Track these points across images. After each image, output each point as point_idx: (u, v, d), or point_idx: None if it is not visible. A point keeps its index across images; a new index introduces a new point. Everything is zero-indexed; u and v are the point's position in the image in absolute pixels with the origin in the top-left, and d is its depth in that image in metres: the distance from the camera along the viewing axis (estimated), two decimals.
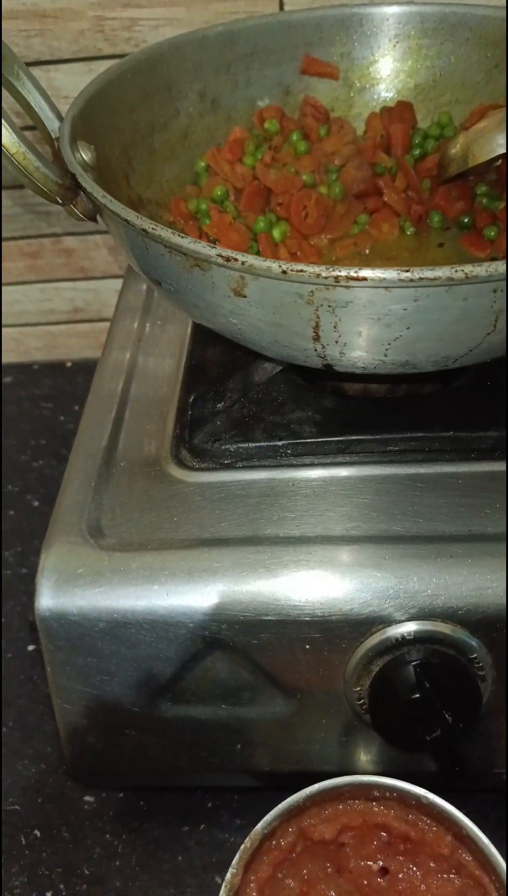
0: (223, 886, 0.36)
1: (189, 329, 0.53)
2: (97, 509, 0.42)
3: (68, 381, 0.82)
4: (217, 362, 0.49)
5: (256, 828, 0.38)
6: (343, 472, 0.43)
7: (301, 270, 0.30)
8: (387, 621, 0.38)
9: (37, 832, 0.49)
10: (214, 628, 0.39)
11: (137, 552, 0.40)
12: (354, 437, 0.43)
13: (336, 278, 0.30)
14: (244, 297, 0.33)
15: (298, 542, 0.40)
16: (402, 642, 0.38)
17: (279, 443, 0.44)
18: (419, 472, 0.43)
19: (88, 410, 0.49)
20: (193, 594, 0.39)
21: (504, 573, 0.38)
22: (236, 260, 0.31)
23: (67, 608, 0.39)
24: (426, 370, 0.39)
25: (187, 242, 0.32)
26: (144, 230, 0.33)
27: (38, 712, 0.55)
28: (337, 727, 0.41)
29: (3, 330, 0.85)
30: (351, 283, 0.30)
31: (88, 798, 0.50)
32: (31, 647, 0.58)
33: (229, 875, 0.37)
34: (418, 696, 0.35)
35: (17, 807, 0.50)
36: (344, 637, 0.38)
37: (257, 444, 0.44)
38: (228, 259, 0.31)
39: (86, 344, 0.86)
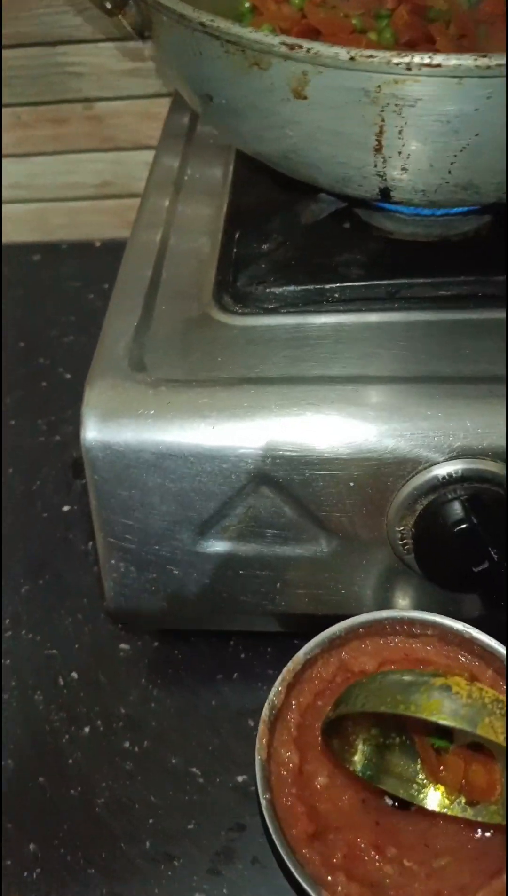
0: (267, 705, 0.37)
1: (230, 175, 0.51)
2: (140, 349, 0.42)
3: (97, 261, 0.80)
4: (260, 208, 0.47)
5: (298, 654, 0.38)
6: (392, 316, 0.42)
7: (371, 56, 0.28)
8: (433, 460, 0.38)
9: (74, 674, 0.50)
10: (258, 463, 0.38)
11: (182, 387, 0.40)
12: (404, 281, 0.42)
13: (408, 65, 0.28)
14: (304, 97, 0.31)
15: (345, 381, 0.39)
16: (448, 481, 0.38)
17: (326, 286, 0.42)
18: (470, 318, 0.41)
19: (126, 259, 0.48)
20: (239, 429, 0.38)
21: None
22: (300, 48, 0.29)
23: (113, 440, 0.39)
24: (487, 199, 0.37)
25: (248, 32, 0.30)
26: (201, 23, 0.31)
27: (75, 569, 0.56)
28: (378, 569, 0.41)
29: (26, 205, 0.83)
30: (423, 70, 0.28)
31: (123, 646, 0.51)
32: (66, 508, 0.59)
33: (272, 694, 0.37)
34: (464, 527, 0.35)
35: (54, 651, 0.51)
36: (389, 475, 0.38)
37: (303, 288, 0.42)
38: (292, 47, 0.29)
39: (111, 222, 0.83)
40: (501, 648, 0.38)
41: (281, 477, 0.39)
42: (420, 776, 0.36)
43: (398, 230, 0.45)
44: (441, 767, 0.36)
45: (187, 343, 0.42)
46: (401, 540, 0.39)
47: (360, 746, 0.36)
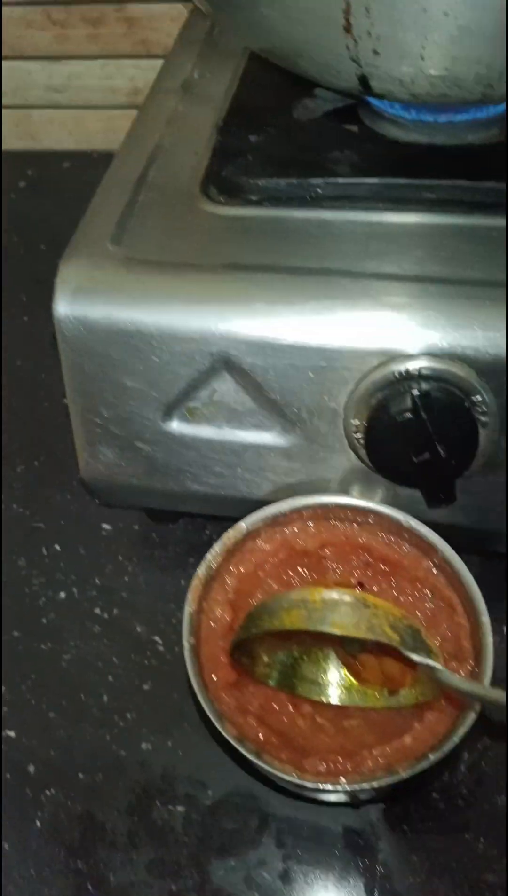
0: (202, 563, 0.39)
1: (239, 77, 0.51)
2: (121, 229, 0.43)
3: None
4: (261, 105, 0.47)
5: (239, 523, 0.41)
6: (378, 217, 0.42)
7: None
8: (394, 355, 0.39)
9: (57, 546, 0.54)
10: (222, 347, 0.40)
11: (158, 269, 0.41)
12: (393, 181, 0.42)
13: None
14: None
15: (319, 273, 0.40)
16: (405, 377, 0.38)
17: (312, 180, 0.42)
18: (456, 223, 0.41)
19: (122, 148, 0.49)
20: (206, 312, 0.40)
21: None
22: None
23: (83, 315, 0.40)
24: (471, 95, 0.36)
25: None
26: None
27: (70, 453, 0.58)
28: (334, 462, 0.42)
29: (62, 111, 0.83)
30: None
31: (105, 526, 0.55)
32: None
33: (208, 554, 0.40)
34: (411, 417, 0.36)
35: (41, 524, 0.55)
36: (349, 368, 0.39)
37: (289, 181, 0.43)
38: None
39: None
40: (438, 540, 0.39)
41: (244, 362, 0.40)
42: (343, 680, 0.39)
43: (400, 137, 0.44)
44: (360, 668, 0.39)
45: (168, 229, 0.43)
46: (356, 433, 0.40)
47: (268, 661, 0.39)
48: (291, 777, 0.34)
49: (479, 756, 0.43)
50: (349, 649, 0.39)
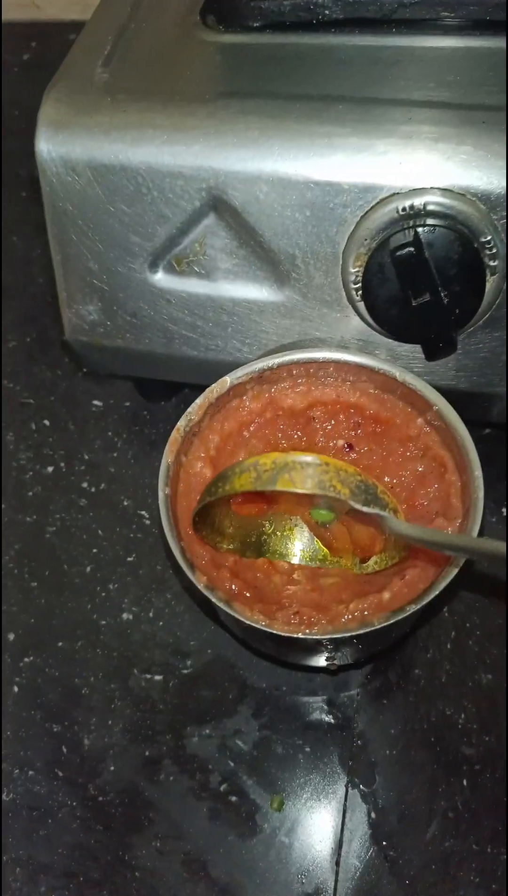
0: (183, 416, 0.37)
1: None
2: (109, 59, 0.39)
3: None
4: None
5: (224, 377, 0.38)
6: (389, 41, 0.38)
7: None
8: (398, 191, 0.35)
9: (46, 422, 0.52)
10: (212, 183, 0.36)
11: (145, 99, 0.37)
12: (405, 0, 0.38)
13: None
14: None
15: (320, 99, 0.36)
16: (410, 214, 0.35)
17: (321, 0, 0.38)
18: (475, 46, 0.37)
19: None
20: (194, 144, 0.36)
21: None
22: None
23: (65, 152, 0.37)
24: None
25: None
26: None
27: (61, 328, 0.56)
28: (330, 319, 0.39)
29: None
30: None
31: (96, 402, 0.52)
32: None
33: (190, 408, 0.37)
34: (411, 252, 0.33)
35: (31, 400, 0.53)
36: (349, 204, 0.35)
37: (295, 2, 0.38)
38: None
39: None
40: (433, 393, 0.36)
41: (236, 201, 0.37)
42: (315, 552, 0.37)
43: None
44: (331, 538, 0.37)
45: (160, 58, 0.39)
46: (354, 284, 0.37)
47: (233, 533, 0.37)
48: (260, 625, 0.32)
49: (465, 633, 0.41)
50: (318, 518, 0.37)
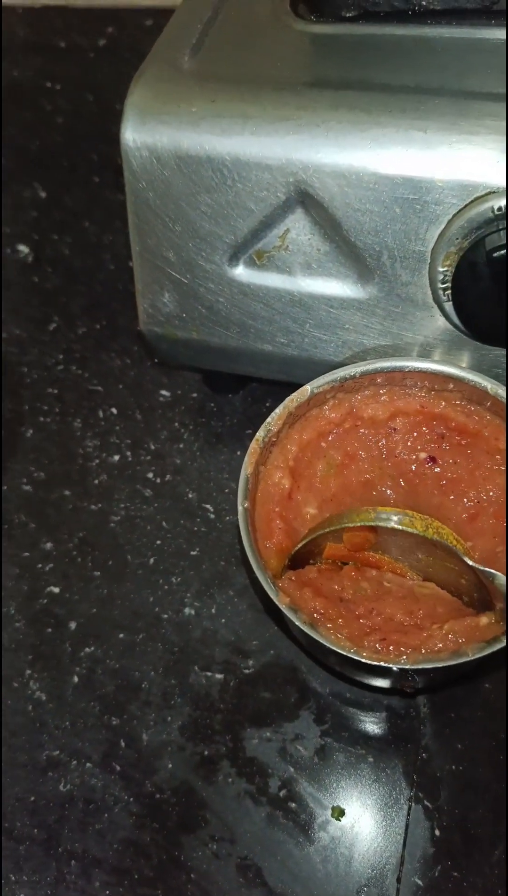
0: (262, 426, 0.36)
1: None
2: (198, 47, 0.38)
3: None
4: None
5: (305, 386, 0.37)
6: (487, 33, 0.36)
7: None
8: (495, 189, 0.33)
9: (113, 410, 0.51)
10: (300, 177, 0.35)
11: (234, 88, 0.36)
12: None
13: None
14: None
15: (414, 91, 0.35)
16: (505, 215, 0.33)
17: None
18: None
19: None
20: (283, 136, 0.35)
21: None
22: None
23: (154, 141, 0.36)
24: None
25: None
26: None
27: (132, 317, 0.56)
28: (414, 319, 0.38)
29: None
30: None
31: (164, 392, 0.52)
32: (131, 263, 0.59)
33: (269, 418, 0.36)
34: (504, 252, 0.31)
35: (99, 387, 0.53)
36: (442, 202, 0.34)
37: None
38: None
39: None
40: None
41: (323, 195, 0.35)
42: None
43: None
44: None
45: (250, 46, 0.38)
46: (442, 284, 0.36)
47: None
48: (348, 652, 0.31)
49: None
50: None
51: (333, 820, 0.37)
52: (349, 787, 0.38)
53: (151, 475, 0.49)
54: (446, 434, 0.37)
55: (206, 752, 0.39)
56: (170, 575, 0.45)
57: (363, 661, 0.31)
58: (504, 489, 0.35)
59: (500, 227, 0.33)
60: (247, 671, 0.41)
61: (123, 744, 0.40)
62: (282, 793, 0.38)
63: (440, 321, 0.37)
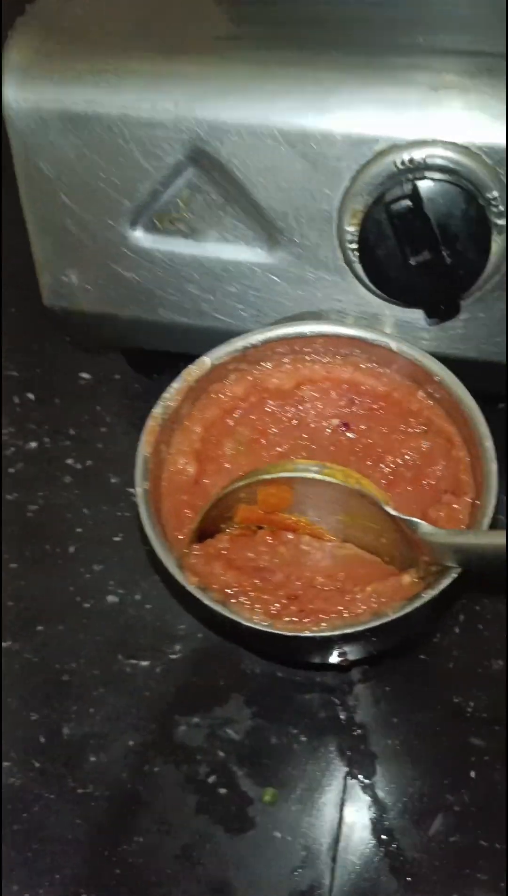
0: (158, 402, 0.35)
1: None
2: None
3: None
4: None
5: (203, 357, 0.35)
6: None
7: None
8: (398, 142, 0.32)
9: (30, 395, 0.49)
10: (196, 133, 0.34)
11: (121, 42, 0.35)
12: None
13: None
14: None
15: (312, 45, 0.33)
16: (410, 167, 0.32)
17: None
18: None
19: None
20: (176, 90, 0.33)
21: None
22: None
23: (37, 101, 0.34)
24: None
25: None
26: None
27: None
28: (326, 283, 0.36)
29: None
30: None
31: (84, 375, 0.50)
32: None
33: (165, 392, 0.34)
34: (409, 206, 0.30)
35: (14, 372, 0.50)
36: (345, 157, 0.33)
37: None
38: None
39: None
40: (433, 363, 0.33)
41: (220, 153, 0.34)
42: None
43: None
44: None
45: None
46: (350, 244, 0.34)
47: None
48: (262, 627, 0.30)
49: (476, 616, 0.39)
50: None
51: (266, 803, 0.36)
52: (281, 769, 0.36)
53: (71, 461, 0.46)
54: (356, 399, 0.35)
55: (131, 743, 0.38)
56: (92, 563, 0.43)
57: (280, 633, 0.29)
58: (420, 452, 0.34)
59: (402, 181, 0.31)
60: (174, 657, 0.40)
61: (43, 739, 0.38)
62: (212, 779, 0.36)
63: (353, 283, 0.36)
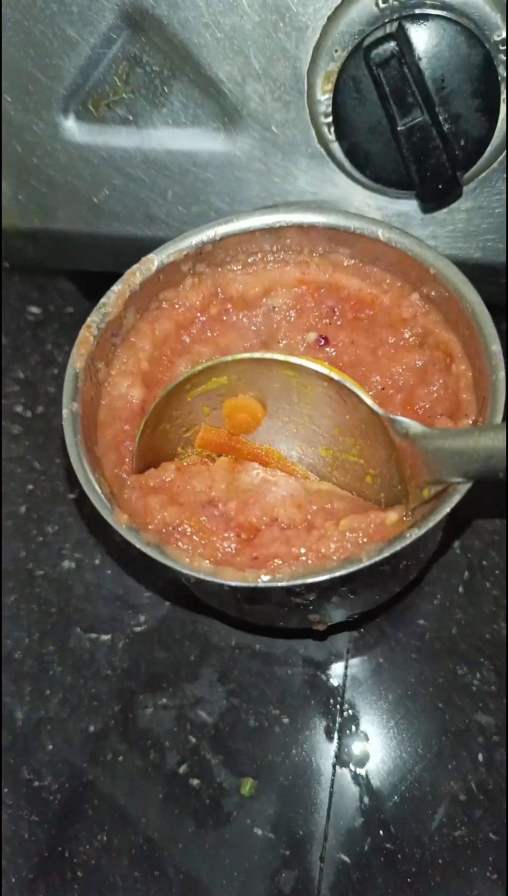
0: (95, 310, 0.28)
1: None
2: None
3: None
4: None
5: (150, 254, 0.28)
6: None
7: None
8: None
9: None
10: None
11: None
12: None
13: None
14: None
15: None
16: (395, 6, 0.25)
17: None
18: None
19: None
20: None
21: None
22: None
23: None
24: None
25: None
26: None
27: None
28: (297, 170, 0.29)
29: None
30: None
31: (33, 309, 0.44)
32: None
33: (104, 298, 0.28)
34: (394, 53, 0.23)
35: None
36: (308, 2, 0.26)
37: None
38: None
39: None
40: (430, 253, 0.26)
41: (161, 6, 0.27)
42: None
43: None
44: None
45: None
46: (325, 117, 0.28)
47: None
48: (203, 576, 0.24)
49: (482, 573, 0.33)
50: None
51: (244, 795, 0.31)
52: (261, 756, 0.31)
53: (20, 409, 0.41)
54: (337, 307, 0.29)
55: (91, 728, 0.33)
56: (45, 524, 0.37)
57: (223, 582, 0.23)
58: (413, 369, 0.27)
59: (386, 22, 0.24)
60: (138, 629, 0.34)
61: None
62: (182, 768, 0.32)
63: (331, 168, 0.29)
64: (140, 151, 0.30)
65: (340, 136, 0.26)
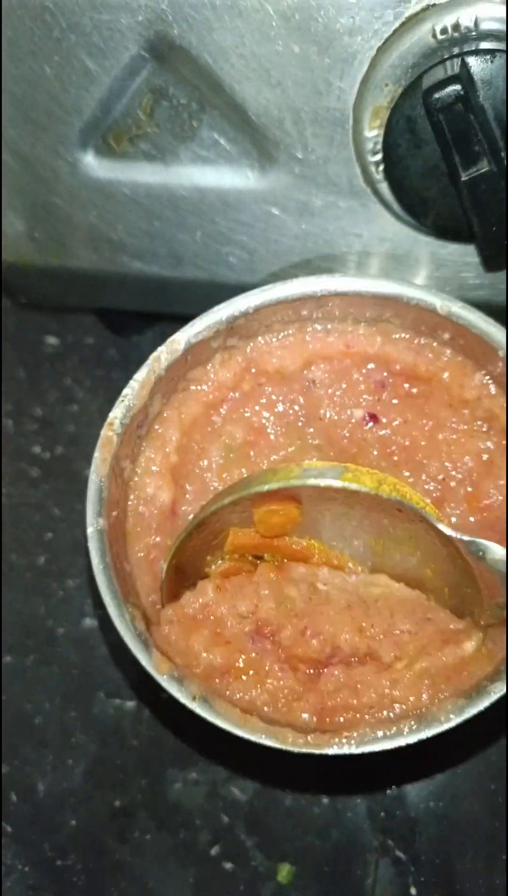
0: (117, 403, 0.25)
1: None
2: None
3: None
4: None
5: (175, 335, 0.25)
6: None
7: None
8: (435, 1, 0.22)
9: None
10: (152, 13, 0.24)
11: None
12: None
13: None
14: None
15: None
16: (455, 38, 0.22)
17: None
18: None
19: None
20: None
21: None
22: None
23: None
24: None
25: None
26: None
27: None
28: (338, 212, 0.27)
29: None
30: None
31: (51, 340, 0.41)
32: None
33: (126, 389, 0.25)
34: (457, 94, 0.21)
35: None
36: (361, 28, 0.23)
37: None
38: None
39: None
40: (498, 331, 0.24)
41: (187, 38, 0.24)
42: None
43: None
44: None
45: None
46: (373, 155, 0.25)
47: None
48: (260, 739, 0.23)
49: None
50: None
51: (280, 881, 0.29)
52: (299, 838, 0.30)
53: (38, 449, 0.39)
54: (388, 381, 0.26)
55: (118, 803, 0.31)
56: (65, 577, 0.36)
57: (288, 749, 0.23)
58: (478, 456, 0.24)
59: (445, 57, 0.22)
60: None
61: (14, 797, 0.32)
62: (215, 849, 0.30)
63: (377, 210, 0.27)
64: (166, 188, 0.28)
65: (389, 177, 0.24)
